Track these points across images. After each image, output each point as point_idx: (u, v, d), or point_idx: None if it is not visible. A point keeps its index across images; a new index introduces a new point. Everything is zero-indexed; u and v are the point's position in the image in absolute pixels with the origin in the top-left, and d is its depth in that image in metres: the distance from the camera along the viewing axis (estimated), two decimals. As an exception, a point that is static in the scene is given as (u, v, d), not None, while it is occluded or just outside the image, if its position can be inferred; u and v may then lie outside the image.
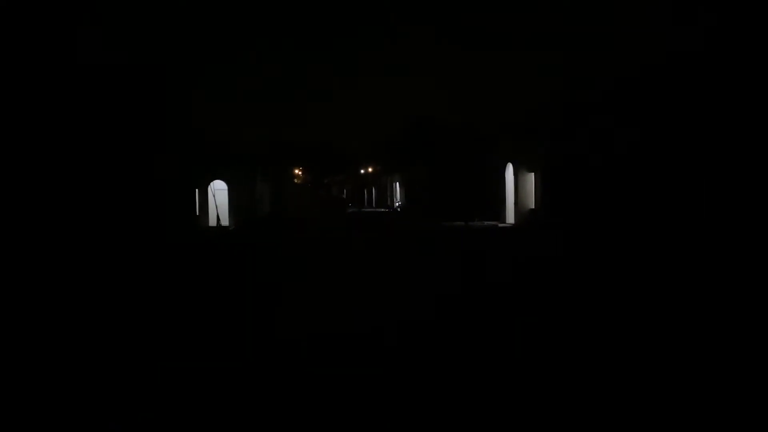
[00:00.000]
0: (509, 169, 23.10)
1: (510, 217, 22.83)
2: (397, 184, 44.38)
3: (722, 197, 12.84)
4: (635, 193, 15.87)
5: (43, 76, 13.79)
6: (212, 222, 26.39)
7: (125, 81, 17.05)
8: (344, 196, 66.25)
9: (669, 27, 14.53)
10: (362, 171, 62.01)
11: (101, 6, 14.28)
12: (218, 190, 27.59)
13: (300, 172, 64.13)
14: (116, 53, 15.67)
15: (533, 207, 21.23)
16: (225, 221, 26.71)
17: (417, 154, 34.32)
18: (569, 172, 18.46)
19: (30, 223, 12.22)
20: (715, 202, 13.06)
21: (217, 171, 27.08)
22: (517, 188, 21.93)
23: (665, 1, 14.81)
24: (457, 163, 29.54)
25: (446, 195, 29.01)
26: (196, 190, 26.48)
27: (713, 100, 13.33)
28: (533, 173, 21.30)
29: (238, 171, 28.12)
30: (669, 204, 14.51)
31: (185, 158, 24.46)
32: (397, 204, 43.30)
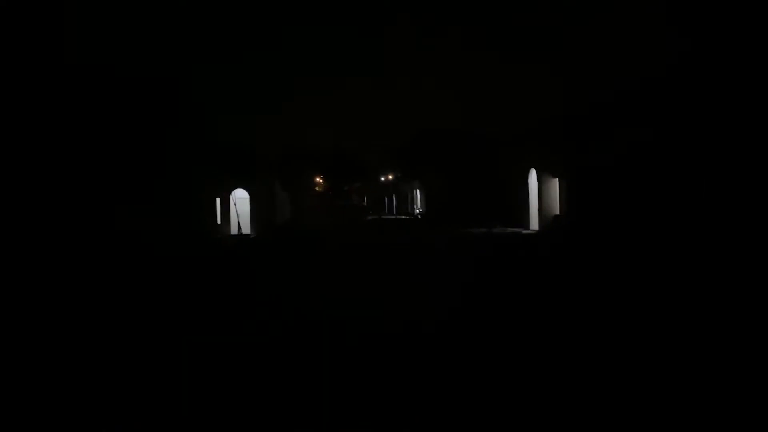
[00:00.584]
0: (533, 175, 22.79)
1: (534, 224, 22.50)
2: (417, 191, 44.19)
3: (753, 204, 12.46)
4: (662, 200, 15.50)
5: (69, 88, 13.92)
6: (234, 230, 26.47)
7: (147, 92, 17.18)
8: (364, 203, 66.24)
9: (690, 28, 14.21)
10: (382, 179, 61.94)
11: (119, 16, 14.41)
12: (240, 199, 27.70)
13: (320, 180, 64.30)
14: (133, 63, 15.79)
15: (557, 213, 20.87)
16: (247, 229, 26.78)
17: (436, 161, 34.11)
18: (594, 177, 18.12)
19: (50, 232, 12.30)
20: (744, 209, 12.67)
21: (238, 180, 27.19)
22: (540, 194, 21.61)
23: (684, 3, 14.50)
24: (478, 170, 29.29)
25: (467, 202, 28.76)
26: (218, 199, 26.62)
27: (738, 103, 12.97)
28: (557, 179, 20.96)
29: (259, 180, 28.21)
30: (697, 211, 14.13)
31: (207, 167, 24.60)
32: (417, 211, 43.10)
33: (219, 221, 26.48)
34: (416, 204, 44.82)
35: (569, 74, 18.12)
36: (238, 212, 27.34)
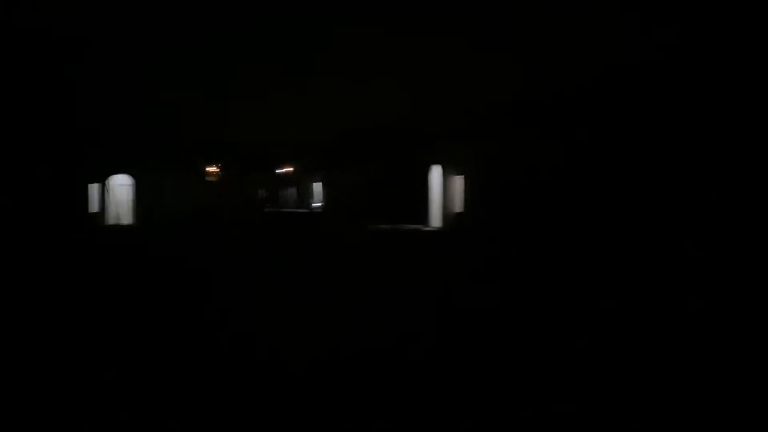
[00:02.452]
0: (436, 172, 22.26)
1: (436, 221, 21.98)
2: (320, 184, 42.90)
3: (657, 208, 12.46)
4: (563, 200, 15.37)
5: None
6: (116, 220, 23.91)
7: None
8: (264, 195, 63.89)
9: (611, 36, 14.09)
10: (283, 170, 59.92)
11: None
12: (122, 185, 25.08)
13: (217, 169, 61.11)
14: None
15: (460, 211, 20.45)
16: (127, 219, 24.28)
17: (339, 155, 33.01)
18: (497, 175, 17.81)
19: None
20: (649, 212, 12.66)
21: (119, 164, 24.56)
22: (445, 191, 21.10)
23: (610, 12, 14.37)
24: (382, 164, 28.49)
25: (369, 198, 27.89)
26: (94, 184, 23.93)
27: (650, 108, 12.97)
28: (462, 176, 20.53)
29: (144, 164, 25.69)
30: (594, 210, 14.05)
31: (78, 149, 21.95)
32: (316, 205, 41.84)
33: (97, 209, 23.82)
34: (318, 197, 43.52)
35: (475, 73, 17.59)
36: (118, 200, 24.75)
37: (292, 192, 56.13)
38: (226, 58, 20.23)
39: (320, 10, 14.67)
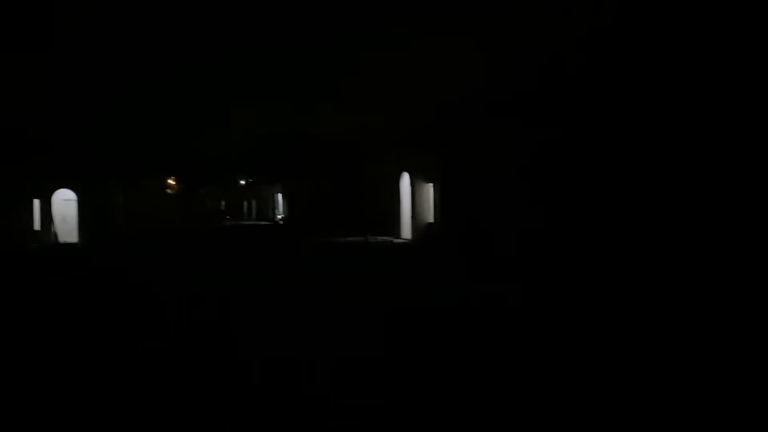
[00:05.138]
0: (405, 180, 21.28)
1: (406, 232, 20.96)
2: (280, 196, 41.47)
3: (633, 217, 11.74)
4: (536, 206, 14.58)
5: None
6: (61, 238, 22.07)
7: None
8: (222, 207, 61.93)
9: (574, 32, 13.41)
10: (242, 182, 58.18)
11: None
12: (67, 201, 23.26)
13: (173, 182, 58.84)
14: None
15: (431, 221, 19.50)
16: (72, 237, 22.47)
17: (299, 166, 31.74)
18: (469, 182, 16.93)
19: None
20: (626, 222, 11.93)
21: (64, 179, 22.76)
22: (414, 200, 20.12)
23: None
24: (345, 174, 27.37)
25: (333, 209, 26.73)
26: (37, 200, 22.10)
27: (615, 107, 12.29)
28: (431, 184, 19.60)
29: (91, 179, 23.93)
30: (569, 214, 13.29)
31: (24, 164, 20.19)
32: (279, 217, 40.39)
33: (39, 227, 21.97)
34: (278, 210, 42.04)
35: (440, 73, 16.76)
36: (64, 216, 22.93)
37: (253, 204, 54.47)
38: (181, 74, 18.99)
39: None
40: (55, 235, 21.79)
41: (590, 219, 12.44)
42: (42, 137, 22.01)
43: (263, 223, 40.34)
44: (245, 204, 57.57)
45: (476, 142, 16.52)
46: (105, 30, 14.67)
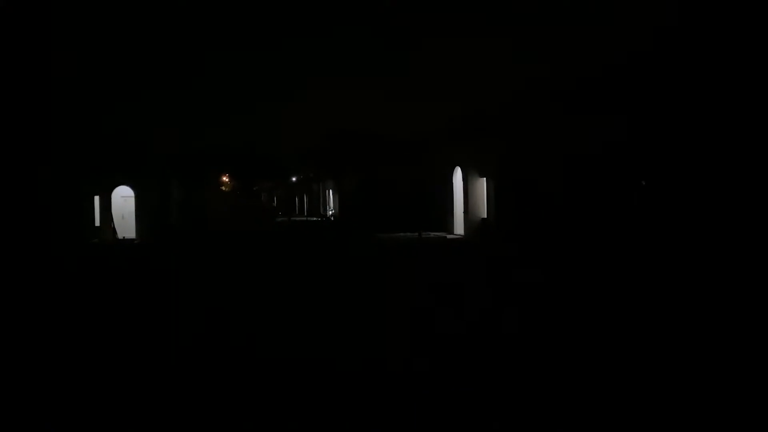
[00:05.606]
0: (457, 175, 20.78)
1: (459, 228, 20.47)
2: (330, 191, 41.51)
3: (696, 210, 10.96)
4: (599, 202, 13.86)
5: None
6: (120, 234, 22.61)
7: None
8: (274, 204, 62.73)
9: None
10: (293, 179, 58.73)
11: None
12: (126, 198, 23.82)
13: (227, 179, 59.97)
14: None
15: (485, 216, 18.95)
16: (130, 233, 22.98)
17: (350, 162, 31.61)
18: (527, 177, 16.31)
19: None
20: (689, 214, 11.16)
21: (122, 175, 23.28)
22: (466, 195, 19.60)
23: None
24: (396, 170, 27.04)
25: (384, 205, 26.44)
26: (97, 197, 22.72)
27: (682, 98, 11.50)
28: (485, 178, 19.03)
29: (149, 175, 24.41)
30: (641, 212, 12.54)
31: (84, 162, 20.75)
32: (330, 213, 40.44)
33: (99, 223, 22.58)
34: (329, 205, 42.11)
35: (498, 65, 16.21)
36: (124, 214, 23.48)
37: (305, 200, 54.89)
38: (232, 70, 19.17)
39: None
40: (114, 231, 22.32)
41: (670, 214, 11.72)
42: (102, 135, 22.64)
43: (314, 219, 40.48)
44: (297, 200, 58.09)
45: (535, 133, 15.88)
46: (164, 32, 14.88)
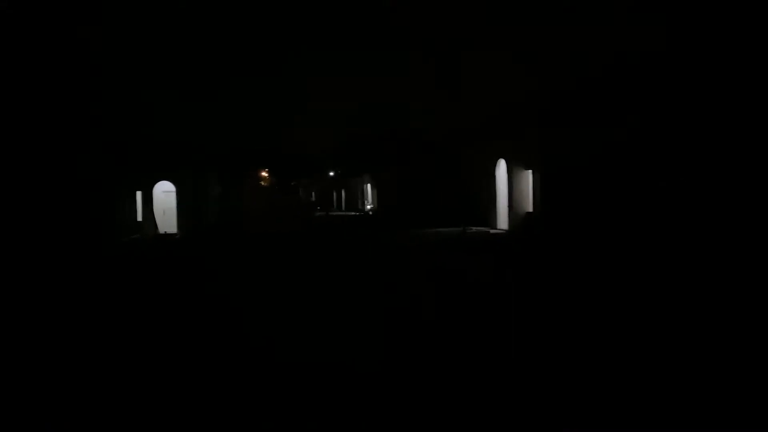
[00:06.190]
0: (501, 167, 20.12)
1: (503, 223, 19.84)
2: (368, 186, 41.21)
3: (752, 201, 10.15)
4: (652, 192, 13.08)
5: None
6: (161, 229, 22.74)
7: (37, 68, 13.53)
8: (312, 199, 62.85)
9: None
10: (331, 173, 58.72)
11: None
12: (167, 193, 23.95)
13: (265, 175, 60.39)
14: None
15: (530, 210, 18.27)
16: (171, 228, 23.09)
17: (388, 156, 31.18)
18: (574, 169, 15.58)
19: None
20: (744, 207, 10.34)
21: (163, 171, 23.39)
22: (510, 189, 18.95)
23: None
24: (436, 163, 26.50)
25: (424, 198, 25.94)
26: (139, 192, 22.89)
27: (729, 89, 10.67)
28: (530, 171, 18.35)
29: (189, 171, 24.47)
30: (699, 210, 11.74)
31: (122, 156, 20.86)
32: (368, 207, 40.15)
33: (141, 218, 22.75)
34: (367, 200, 41.82)
35: (543, 50, 15.55)
36: (164, 208, 23.61)
37: (343, 195, 54.80)
38: (272, 68, 19.06)
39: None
40: (155, 226, 22.45)
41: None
42: (145, 132, 22.80)
43: (352, 213, 40.22)
44: (335, 195, 58.04)
45: (584, 123, 15.15)
46: (209, 34, 14.79)
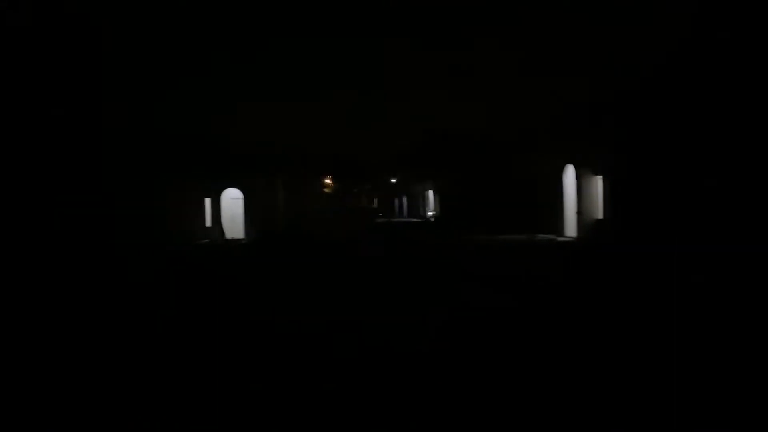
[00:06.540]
0: (569, 173, 19.50)
1: (570, 230, 19.20)
2: (430, 192, 40.97)
3: None
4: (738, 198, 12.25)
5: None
6: (228, 234, 23.39)
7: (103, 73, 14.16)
8: (374, 205, 63.17)
9: None
10: (392, 180, 58.84)
11: None
12: (234, 199, 24.61)
13: (329, 181, 61.21)
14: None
15: (600, 217, 17.60)
16: (239, 234, 23.69)
17: (452, 161, 30.82)
18: (650, 172, 14.85)
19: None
20: None
21: (231, 178, 24.05)
22: (579, 195, 18.32)
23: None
24: (500, 169, 25.98)
25: (487, 205, 25.45)
26: (207, 199, 23.63)
27: None
28: (600, 176, 17.69)
29: (256, 178, 25.05)
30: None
31: (193, 165, 21.58)
32: (430, 214, 39.91)
33: (209, 224, 23.48)
34: (429, 206, 41.59)
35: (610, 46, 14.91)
36: (232, 215, 24.28)
37: (404, 201, 54.80)
38: (335, 74, 19.27)
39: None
40: (222, 231, 23.07)
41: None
42: (213, 140, 23.50)
43: (414, 220, 40.07)
44: (396, 201, 58.12)
45: (662, 125, 14.44)
46: (277, 42, 15.11)
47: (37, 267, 10.62)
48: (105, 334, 6.52)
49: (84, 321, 7.22)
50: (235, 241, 22.21)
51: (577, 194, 18.45)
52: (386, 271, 11.80)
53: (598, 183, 17.85)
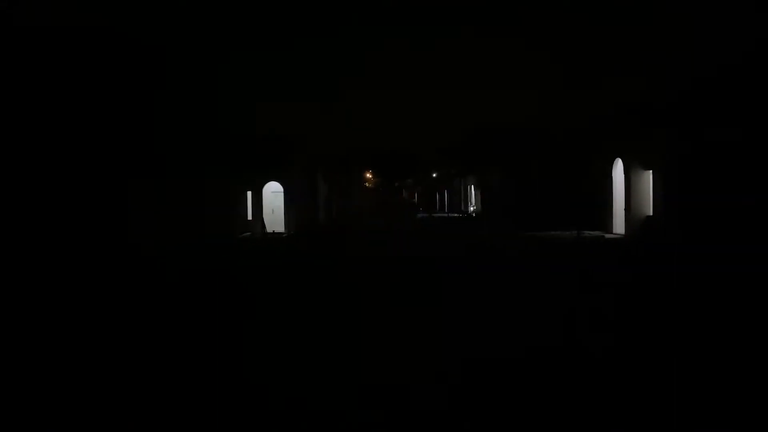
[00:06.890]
0: (618, 167, 18.77)
1: (619, 227, 18.49)
2: (472, 187, 40.32)
3: None
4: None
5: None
6: (269, 228, 23.47)
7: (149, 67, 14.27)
8: (415, 200, 62.92)
9: None
10: (434, 175, 58.38)
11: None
12: (275, 193, 24.65)
13: (370, 176, 61.21)
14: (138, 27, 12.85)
15: (651, 214, 16.87)
16: (279, 227, 23.73)
17: (494, 156, 30.16)
18: (705, 166, 14.09)
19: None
20: None
21: (272, 172, 24.06)
22: (628, 190, 17.61)
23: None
24: (546, 164, 25.23)
25: (531, 200, 24.76)
26: (249, 192, 23.74)
27: None
28: (651, 171, 16.96)
29: (297, 172, 25.02)
30: None
31: (235, 158, 21.70)
32: (471, 209, 39.33)
33: (250, 217, 23.58)
34: (471, 201, 40.98)
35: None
36: (273, 208, 24.33)
37: (446, 196, 54.30)
38: (380, 70, 19.11)
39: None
40: (263, 225, 23.15)
41: None
42: (256, 134, 23.60)
43: (455, 215, 39.55)
44: (437, 196, 57.65)
45: (716, 118, 13.69)
46: (313, 43, 15.04)
47: (91, 255, 10.82)
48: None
49: (147, 308, 7.26)
50: (275, 235, 22.27)
51: (626, 189, 17.75)
52: (452, 279, 11.55)
53: (648, 178, 17.11)
